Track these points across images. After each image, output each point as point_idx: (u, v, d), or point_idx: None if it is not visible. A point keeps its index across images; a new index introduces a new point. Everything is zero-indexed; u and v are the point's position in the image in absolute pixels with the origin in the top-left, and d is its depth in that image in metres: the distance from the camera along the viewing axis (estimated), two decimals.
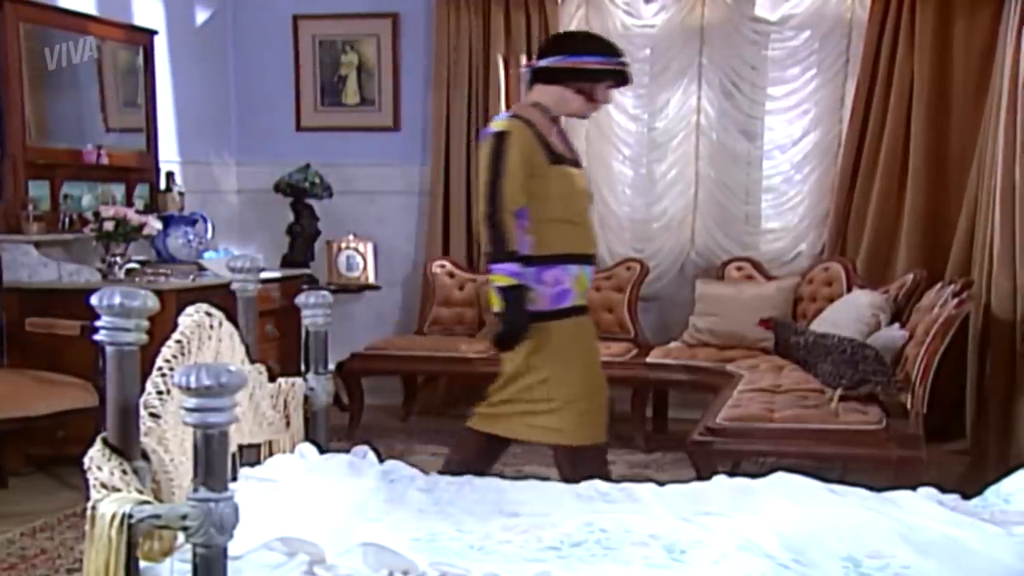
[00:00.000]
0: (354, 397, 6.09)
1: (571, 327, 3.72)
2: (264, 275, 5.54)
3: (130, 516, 1.82)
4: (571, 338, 3.72)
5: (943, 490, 2.94)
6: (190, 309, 2.51)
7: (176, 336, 2.35)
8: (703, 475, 3.77)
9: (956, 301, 4.38)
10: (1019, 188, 4.78)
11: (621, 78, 3.78)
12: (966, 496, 2.91)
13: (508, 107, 6.43)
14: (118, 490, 1.91)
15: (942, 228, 5.76)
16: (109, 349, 2.02)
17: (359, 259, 6.73)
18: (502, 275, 3.59)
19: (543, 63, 3.73)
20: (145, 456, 2.06)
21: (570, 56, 3.69)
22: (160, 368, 2.24)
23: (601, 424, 3.80)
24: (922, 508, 2.72)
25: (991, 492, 2.86)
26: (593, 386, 3.79)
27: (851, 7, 6.11)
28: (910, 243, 5.81)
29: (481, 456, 3.87)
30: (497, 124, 3.66)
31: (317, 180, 6.57)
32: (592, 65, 3.69)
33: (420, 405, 6.59)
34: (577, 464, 3.63)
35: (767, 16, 6.25)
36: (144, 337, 2.03)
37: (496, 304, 3.68)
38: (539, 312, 3.64)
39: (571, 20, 6.49)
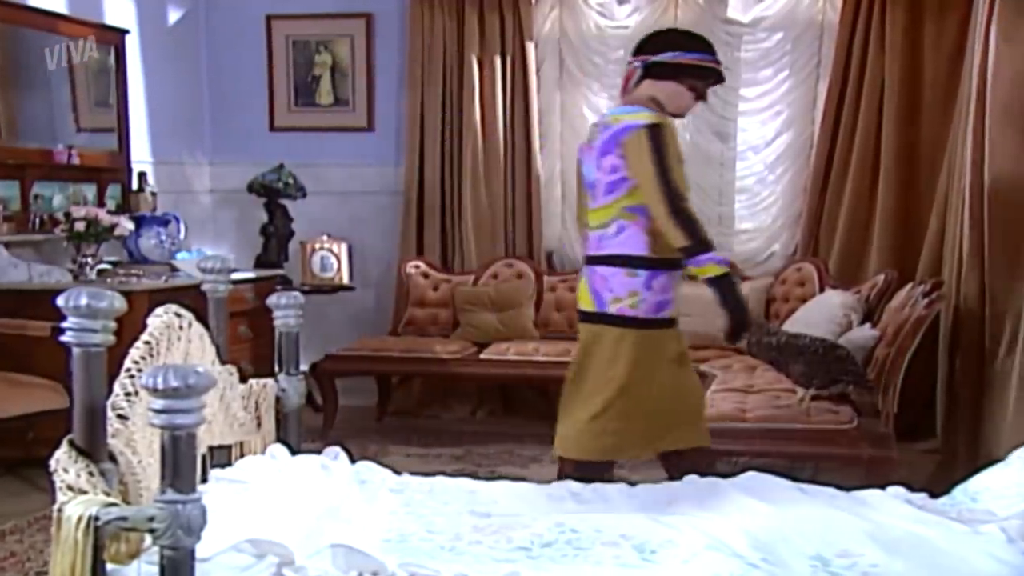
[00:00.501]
0: (328, 398, 6.08)
1: (660, 338, 3.56)
2: (237, 276, 5.53)
3: (96, 518, 1.81)
4: (658, 351, 3.56)
5: (912, 489, 2.97)
6: (159, 310, 2.50)
7: (145, 337, 2.34)
8: (675, 475, 3.77)
9: (926, 301, 4.42)
10: (988, 189, 4.81)
11: (720, 77, 3.69)
12: (935, 495, 2.93)
13: (471, 103, 6.46)
14: (85, 492, 1.90)
15: (913, 228, 5.80)
16: (76, 350, 2.01)
17: (333, 260, 6.72)
18: (710, 265, 3.39)
19: (661, 58, 3.58)
20: (112, 458, 2.06)
21: (687, 53, 3.58)
22: (128, 369, 2.23)
23: (636, 442, 3.63)
24: (890, 507, 2.75)
25: (959, 491, 2.89)
26: (651, 406, 3.56)
27: (823, 9, 6.15)
28: (882, 243, 5.85)
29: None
30: (642, 116, 3.47)
31: (291, 180, 6.55)
32: (706, 63, 3.60)
33: (394, 406, 6.58)
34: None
35: (739, 18, 6.29)
36: (111, 338, 2.03)
37: (586, 302, 3.60)
38: (633, 319, 3.50)
39: (545, 21, 6.50)
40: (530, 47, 6.40)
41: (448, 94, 6.53)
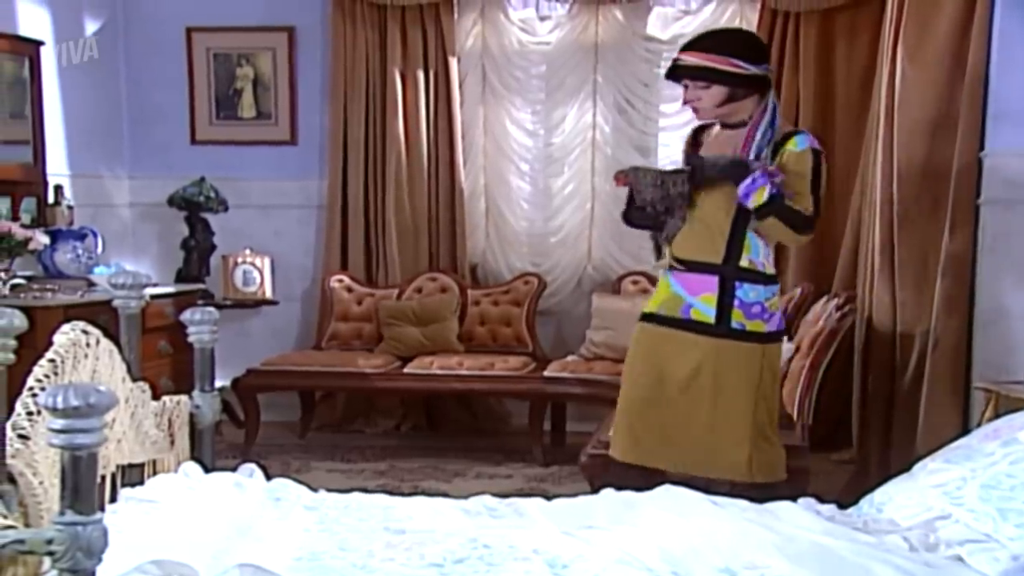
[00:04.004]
0: (250, 414, 6.01)
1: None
2: (157, 290, 5.47)
3: None
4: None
5: (824, 500, 3.03)
6: (66, 327, 2.46)
7: (49, 355, 2.30)
8: (596, 489, 3.79)
9: (839, 314, 4.50)
10: (896, 206, 4.93)
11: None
12: (846, 505, 2.99)
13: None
14: None
15: (829, 242, 5.89)
16: None
17: (256, 274, 6.66)
18: None
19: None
20: (12, 479, 2.02)
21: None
22: (31, 388, 2.19)
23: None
24: (799, 518, 2.79)
25: (865, 501, 2.96)
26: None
27: (739, 27, 6.24)
28: (799, 257, 5.93)
29: None
30: (810, 139, 3.60)
31: (212, 194, 6.48)
32: None
33: (318, 421, 6.53)
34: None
35: (659, 35, 6.35)
36: (11, 356, 2.00)
37: None
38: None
39: (467, 36, 6.51)
40: (453, 62, 6.41)
41: (371, 108, 6.51)
